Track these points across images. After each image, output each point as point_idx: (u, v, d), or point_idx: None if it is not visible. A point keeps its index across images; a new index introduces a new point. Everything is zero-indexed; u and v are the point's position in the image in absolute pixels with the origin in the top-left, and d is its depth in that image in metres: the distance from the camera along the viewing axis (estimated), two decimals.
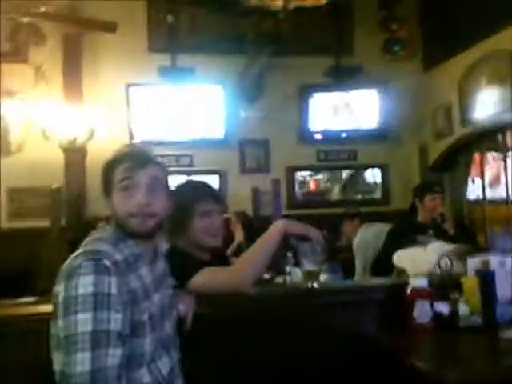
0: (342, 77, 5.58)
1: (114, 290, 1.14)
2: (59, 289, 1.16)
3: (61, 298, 1.14)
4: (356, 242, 3.42)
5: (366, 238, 3.35)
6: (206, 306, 1.59)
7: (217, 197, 1.72)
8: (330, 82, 5.65)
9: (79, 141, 5.04)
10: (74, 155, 5.06)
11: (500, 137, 4.86)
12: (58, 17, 4.94)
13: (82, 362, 1.08)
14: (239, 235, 4.72)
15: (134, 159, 1.28)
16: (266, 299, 1.71)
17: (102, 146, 5.17)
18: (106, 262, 1.16)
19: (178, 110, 5.37)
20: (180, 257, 1.53)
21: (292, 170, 5.75)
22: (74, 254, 1.19)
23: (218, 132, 5.43)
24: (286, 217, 5.08)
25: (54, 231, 4.65)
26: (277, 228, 1.52)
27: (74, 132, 5.02)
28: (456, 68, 5.09)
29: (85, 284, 1.12)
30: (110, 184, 1.27)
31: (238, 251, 4.54)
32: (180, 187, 1.73)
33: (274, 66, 5.42)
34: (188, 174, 5.41)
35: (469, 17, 4.74)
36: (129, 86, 5.24)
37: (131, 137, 5.21)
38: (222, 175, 5.49)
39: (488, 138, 4.98)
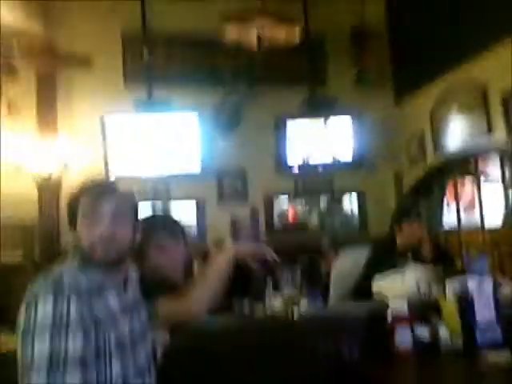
0: (317, 108, 5.68)
1: (73, 316, 1.14)
2: (20, 318, 1.16)
3: (21, 327, 1.15)
4: (334, 272, 3.41)
5: (344, 267, 3.34)
6: (186, 340, 1.57)
7: (174, 231, 1.78)
8: (305, 114, 5.74)
9: (54, 175, 4.96)
10: (48, 189, 4.97)
11: (473, 162, 4.96)
12: (31, 51, 4.94)
13: None
14: None
15: (97, 190, 1.31)
16: (244, 332, 1.68)
17: (77, 180, 5.10)
18: (66, 287, 1.17)
19: (154, 142, 5.36)
20: (148, 279, 1.52)
21: (270, 199, 5.76)
22: (36, 281, 1.20)
23: (195, 163, 5.42)
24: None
25: (28, 266, 4.54)
26: (224, 254, 1.55)
27: (48, 166, 4.95)
28: (427, 97, 5.22)
29: (43, 311, 1.13)
30: (75, 216, 1.28)
31: None
32: (144, 219, 1.76)
33: (249, 96, 5.49)
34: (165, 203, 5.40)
35: (438, 46, 4.87)
36: (104, 119, 5.21)
37: (106, 170, 5.17)
38: (200, 205, 5.47)
39: (460, 164, 5.08)
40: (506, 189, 4.63)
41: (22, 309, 1.16)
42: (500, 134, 4.26)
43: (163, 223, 1.82)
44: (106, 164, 5.15)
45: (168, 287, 1.59)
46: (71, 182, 4.99)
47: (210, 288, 1.51)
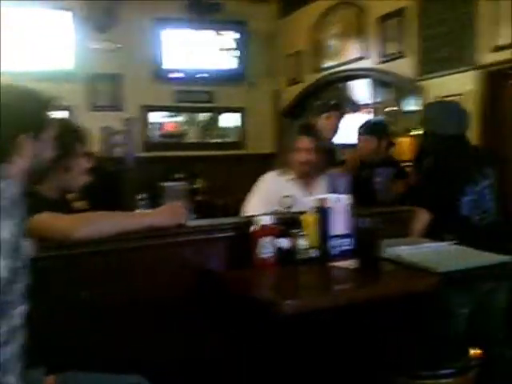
0: (201, 13, 5.43)
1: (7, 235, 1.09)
2: None
3: None
4: None
5: None
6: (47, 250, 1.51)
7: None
8: (187, 17, 5.47)
9: None
10: None
11: (342, 86, 5.19)
12: None
13: None
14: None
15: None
16: (113, 240, 1.65)
17: None
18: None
19: (19, 35, 4.78)
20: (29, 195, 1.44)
21: (147, 110, 5.55)
22: None
23: (64, 63, 4.96)
24: (140, 159, 4.95)
25: None
26: (146, 221, 1.62)
27: None
28: (309, 17, 5.24)
29: None
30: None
31: (84, 195, 4.34)
32: None
33: None
34: None
35: None
36: None
37: None
38: (70, 111, 5.09)
39: (334, 86, 5.28)
40: (374, 112, 4.95)
41: None
42: (374, 58, 4.46)
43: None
44: None
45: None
46: None
47: (108, 228, 1.54)
